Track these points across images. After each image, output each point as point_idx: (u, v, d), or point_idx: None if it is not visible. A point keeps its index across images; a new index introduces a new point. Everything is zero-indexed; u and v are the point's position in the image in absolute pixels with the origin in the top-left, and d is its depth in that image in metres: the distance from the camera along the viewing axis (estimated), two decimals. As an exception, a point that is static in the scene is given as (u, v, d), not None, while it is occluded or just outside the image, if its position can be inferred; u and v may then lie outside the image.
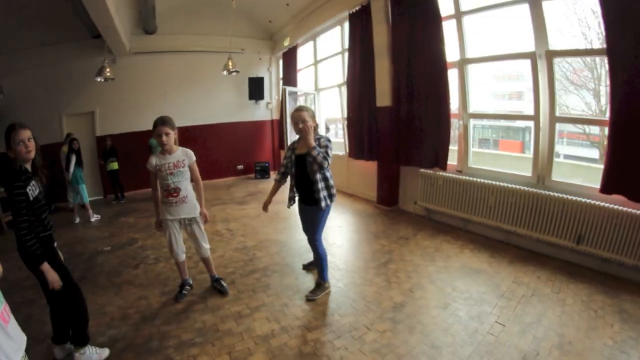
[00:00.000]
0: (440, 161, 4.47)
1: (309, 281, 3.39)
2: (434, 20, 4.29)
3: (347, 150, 6.30)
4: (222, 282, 3.31)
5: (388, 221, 4.89)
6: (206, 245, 3.15)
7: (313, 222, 2.99)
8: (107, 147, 7.10)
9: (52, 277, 2.04)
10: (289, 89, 7.68)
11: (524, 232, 3.66)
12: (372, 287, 3.23)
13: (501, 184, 3.85)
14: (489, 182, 3.95)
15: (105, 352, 2.40)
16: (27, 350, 1.59)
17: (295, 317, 2.84)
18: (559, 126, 3.63)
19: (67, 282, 2.21)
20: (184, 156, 2.93)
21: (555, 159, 3.68)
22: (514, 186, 3.74)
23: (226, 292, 3.22)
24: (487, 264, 3.51)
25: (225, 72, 6.92)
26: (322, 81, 7.82)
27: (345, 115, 6.20)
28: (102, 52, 6.40)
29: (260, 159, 9.35)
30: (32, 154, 2.06)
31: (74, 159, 5.82)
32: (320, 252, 3.06)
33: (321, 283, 3.14)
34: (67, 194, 6.50)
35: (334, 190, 2.95)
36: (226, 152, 9.13)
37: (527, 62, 3.65)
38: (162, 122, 2.78)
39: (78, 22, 6.28)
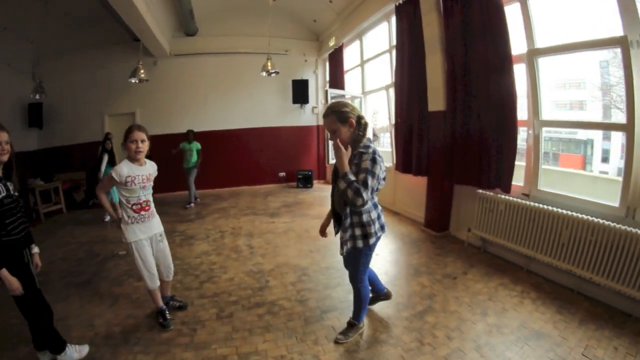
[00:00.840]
0: (502, 181, 3.68)
1: (318, 329, 2.83)
2: (494, 3, 3.59)
3: (394, 162, 5.73)
4: (175, 297, 3.23)
5: (434, 251, 4.21)
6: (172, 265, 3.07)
7: (349, 261, 2.53)
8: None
9: (10, 284, 2.04)
10: (332, 91, 7.32)
11: (602, 281, 2.80)
12: (397, 348, 2.54)
13: (579, 215, 2.99)
14: (563, 211, 3.10)
15: (85, 348, 2.53)
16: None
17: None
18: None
19: (29, 289, 2.20)
20: (152, 169, 2.80)
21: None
22: (595, 220, 2.88)
23: (186, 305, 3.18)
24: (552, 324, 2.70)
25: (264, 73, 6.79)
26: (369, 83, 7.41)
27: (393, 121, 5.66)
28: (142, 55, 6.66)
29: (303, 166, 9.12)
30: (5, 158, 2.12)
31: (106, 158, 6.11)
32: (362, 294, 2.61)
33: (355, 324, 2.68)
34: None
35: (373, 228, 2.28)
36: (268, 158, 9.06)
37: (598, 60, 3.05)
38: (139, 127, 2.64)
39: (118, 26, 6.61)
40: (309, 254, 4.42)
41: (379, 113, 7.83)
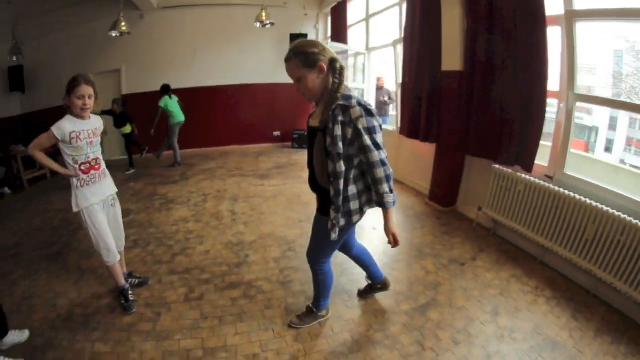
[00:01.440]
0: (524, 158, 3.26)
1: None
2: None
3: (399, 126, 5.28)
4: (134, 274, 3.04)
5: (440, 228, 3.87)
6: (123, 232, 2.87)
7: (316, 235, 2.20)
8: (116, 113, 6.62)
9: None
10: (334, 45, 6.77)
11: (623, 288, 2.48)
12: (393, 353, 2.22)
13: (610, 210, 2.59)
14: (592, 203, 2.72)
15: (25, 333, 2.40)
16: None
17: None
18: None
19: None
20: (98, 123, 2.56)
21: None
22: (629, 219, 2.49)
23: (147, 280, 3.01)
24: (568, 331, 2.39)
25: (258, 24, 6.37)
26: (374, 39, 6.85)
27: (400, 80, 5.16)
28: (127, 8, 6.22)
29: (300, 126, 8.69)
30: None
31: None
32: (320, 279, 2.30)
33: (313, 310, 2.43)
34: None
35: (355, 210, 1.93)
36: (261, 116, 8.72)
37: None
38: (87, 80, 2.32)
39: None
40: (298, 223, 4.10)
41: (384, 75, 7.29)
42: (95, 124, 2.51)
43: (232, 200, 4.93)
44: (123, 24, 5.57)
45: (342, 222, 1.89)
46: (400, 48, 5.17)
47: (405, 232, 3.80)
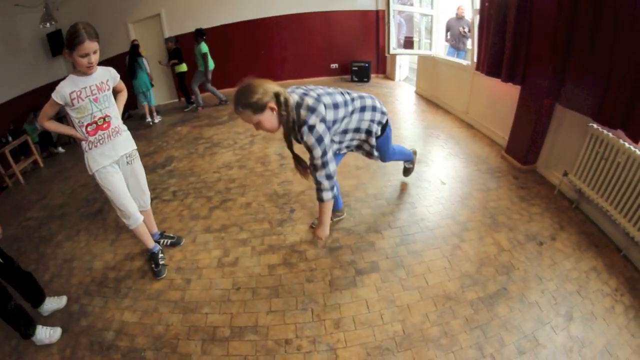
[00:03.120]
0: (634, 123, 2.42)
1: (346, 301, 2.26)
2: None
3: (475, 60, 4.46)
4: (165, 233, 3.00)
5: (517, 192, 3.31)
6: (148, 191, 2.79)
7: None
8: (169, 50, 7.08)
9: None
10: None
11: None
12: (448, 356, 1.89)
13: None
14: None
15: (63, 300, 2.56)
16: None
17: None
18: None
19: None
20: (107, 75, 2.38)
21: None
22: None
23: (180, 240, 2.96)
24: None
25: None
26: None
27: (477, 5, 4.26)
28: None
29: (359, 57, 8.31)
30: None
31: (144, 62, 6.28)
32: (393, 150, 2.78)
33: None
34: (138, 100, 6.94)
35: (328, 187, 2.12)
36: (317, 48, 8.48)
37: None
38: (90, 34, 2.11)
39: None
40: (354, 171, 3.72)
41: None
42: (102, 77, 2.33)
43: (282, 142, 4.62)
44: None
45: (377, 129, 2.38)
46: None
47: (476, 192, 3.31)
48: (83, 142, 2.34)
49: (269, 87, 1.84)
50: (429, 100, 5.81)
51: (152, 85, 6.51)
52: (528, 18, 3.31)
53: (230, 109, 6.63)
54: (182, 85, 7.43)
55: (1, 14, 6.64)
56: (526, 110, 3.56)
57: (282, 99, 1.86)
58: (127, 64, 6.17)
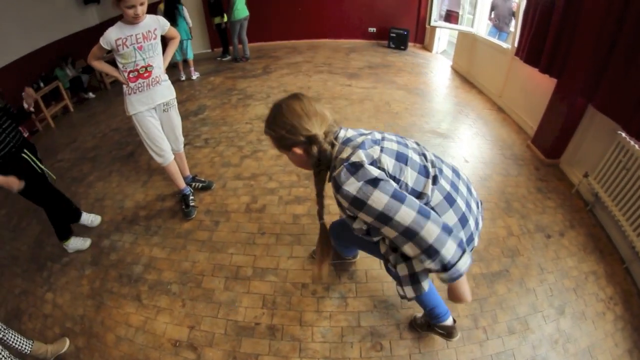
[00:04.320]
0: None
1: (360, 257, 2.38)
2: None
3: (515, 45, 4.38)
4: (197, 177, 3.21)
5: (536, 183, 3.38)
6: (182, 136, 2.98)
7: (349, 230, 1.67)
8: (210, 1, 7.16)
9: (7, 183, 2.23)
10: None
11: None
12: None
13: None
14: None
15: (87, 242, 2.81)
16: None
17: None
18: None
19: (38, 186, 2.57)
20: (155, 24, 2.50)
21: None
22: None
23: (210, 185, 3.16)
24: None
25: None
26: None
27: None
28: None
29: (398, 24, 8.18)
30: None
31: (184, 11, 6.18)
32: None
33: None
34: None
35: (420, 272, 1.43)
36: (356, 9, 8.36)
37: None
38: None
39: None
40: (383, 135, 3.81)
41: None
42: (149, 26, 2.46)
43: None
44: None
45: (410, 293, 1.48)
46: None
47: (496, 175, 3.41)
48: (124, 85, 2.52)
49: (304, 124, 1.32)
50: (463, 77, 5.73)
51: (191, 37, 6.56)
52: (575, 12, 3.28)
53: (264, 63, 6.72)
54: (222, 36, 7.53)
55: None
56: (558, 105, 3.58)
57: (314, 150, 1.33)
58: (163, 11, 6.17)
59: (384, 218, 1.15)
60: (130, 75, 2.48)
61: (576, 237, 2.82)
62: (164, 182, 3.31)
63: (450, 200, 1.30)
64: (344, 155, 1.24)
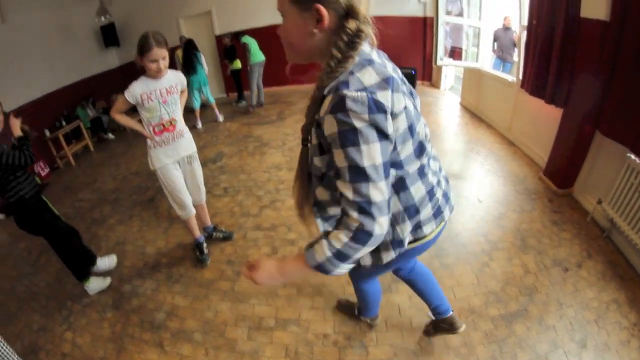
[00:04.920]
0: None
1: (380, 306, 2.41)
2: None
3: (520, 77, 4.61)
4: (218, 227, 3.35)
5: (550, 216, 3.47)
6: (204, 187, 3.13)
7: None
8: (226, 46, 7.57)
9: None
10: None
11: None
12: None
13: None
14: None
15: (107, 280, 3.01)
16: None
17: None
18: None
19: (49, 231, 2.74)
20: (176, 79, 2.68)
21: None
22: None
23: (231, 235, 3.29)
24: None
25: None
26: None
27: (526, 22, 4.39)
28: None
29: (405, 63, 8.33)
30: None
31: (202, 58, 6.61)
32: (361, 295, 2.11)
33: (357, 315, 2.37)
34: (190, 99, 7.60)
35: (384, 245, 1.22)
36: None
37: None
38: (159, 42, 2.41)
39: None
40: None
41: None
42: (171, 81, 2.63)
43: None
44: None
45: (367, 261, 1.29)
46: None
47: (511, 213, 3.50)
48: (148, 140, 2.67)
49: None
50: (472, 112, 5.91)
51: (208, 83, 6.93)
52: (574, 42, 3.48)
53: (279, 109, 7.02)
54: (237, 82, 7.95)
55: (59, 6, 7.47)
56: (567, 134, 3.70)
57: (351, 25, 0.97)
58: (181, 59, 6.61)
59: (358, 176, 0.94)
60: (156, 129, 2.64)
61: (594, 266, 2.88)
62: (184, 230, 3.45)
63: (421, 172, 1.19)
64: (368, 79, 0.93)
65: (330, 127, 0.92)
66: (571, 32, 3.50)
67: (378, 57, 1.10)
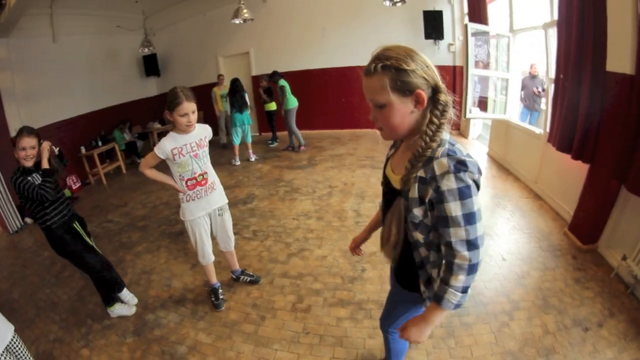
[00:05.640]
0: None
1: (407, 359, 2.58)
2: None
3: (547, 131, 4.70)
4: (246, 271, 3.50)
5: (573, 274, 3.51)
6: (233, 236, 3.25)
7: (396, 307, 1.93)
8: (264, 88, 8.09)
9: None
10: (473, 26, 6.29)
11: None
12: None
13: None
14: None
15: (132, 309, 3.22)
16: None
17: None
18: None
19: (76, 262, 2.94)
20: (205, 132, 2.82)
21: None
22: None
23: (258, 280, 3.44)
24: None
25: (387, 3, 6.57)
26: (520, 19, 6.15)
27: (553, 75, 4.57)
28: None
29: None
30: (29, 163, 2.66)
31: (247, 97, 7.15)
32: (391, 346, 2.22)
33: None
34: (221, 132, 8.39)
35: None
36: None
37: None
38: (188, 96, 2.57)
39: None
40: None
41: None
42: (200, 134, 2.76)
43: (359, 198, 5.14)
44: (245, 10, 6.53)
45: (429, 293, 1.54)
46: (553, 33, 4.55)
47: (534, 271, 3.53)
48: (180, 194, 2.80)
49: (432, 68, 1.26)
50: (500, 164, 6.00)
51: (251, 122, 7.34)
52: (600, 96, 3.60)
53: (309, 154, 7.32)
54: (271, 123, 8.41)
55: (105, 33, 8.29)
56: (592, 189, 3.77)
57: (441, 97, 1.26)
58: (228, 97, 7.09)
59: (471, 218, 1.24)
60: (188, 183, 2.76)
61: (616, 325, 2.88)
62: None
63: None
64: (463, 149, 1.26)
65: (450, 183, 1.20)
66: (597, 87, 3.61)
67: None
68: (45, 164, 2.64)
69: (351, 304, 3.13)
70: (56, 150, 2.91)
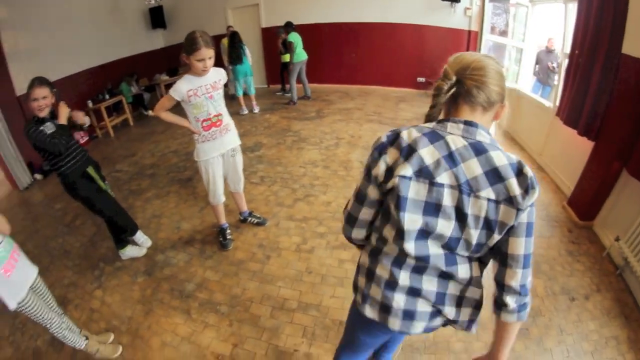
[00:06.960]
0: None
1: None
2: None
3: (557, 104, 4.72)
4: (253, 213, 3.67)
5: (567, 245, 3.64)
6: (243, 177, 3.39)
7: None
8: (282, 40, 7.95)
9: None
10: None
11: None
12: None
13: None
14: None
15: (143, 250, 3.40)
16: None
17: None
18: None
19: (99, 199, 3.10)
20: (219, 75, 2.88)
21: None
22: None
23: (265, 222, 3.61)
24: None
25: None
26: None
27: (568, 50, 4.49)
28: None
29: None
30: (43, 113, 2.69)
31: (247, 50, 7.13)
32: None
33: None
34: (230, 84, 8.09)
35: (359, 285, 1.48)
36: (405, 59, 8.89)
37: None
38: (207, 42, 2.61)
39: None
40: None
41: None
42: (215, 77, 2.83)
43: (365, 150, 5.21)
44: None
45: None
46: (573, 7, 4.43)
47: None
48: (195, 135, 2.89)
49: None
50: (506, 132, 6.06)
51: (252, 73, 7.36)
52: (612, 77, 3.62)
53: (318, 106, 7.36)
54: (282, 73, 8.45)
55: None
56: (594, 168, 3.85)
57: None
58: (227, 50, 7.08)
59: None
60: (204, 124, 2.85)
61: (601, 301, 3.03)
62: (219, 212, 3.78)
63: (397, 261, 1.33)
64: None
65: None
66: (611, 67, 3.64)
67: None
68: (62, 120, 2.74)
69: (353, 248, 3.25)
70: (87, 121, 3.14)
